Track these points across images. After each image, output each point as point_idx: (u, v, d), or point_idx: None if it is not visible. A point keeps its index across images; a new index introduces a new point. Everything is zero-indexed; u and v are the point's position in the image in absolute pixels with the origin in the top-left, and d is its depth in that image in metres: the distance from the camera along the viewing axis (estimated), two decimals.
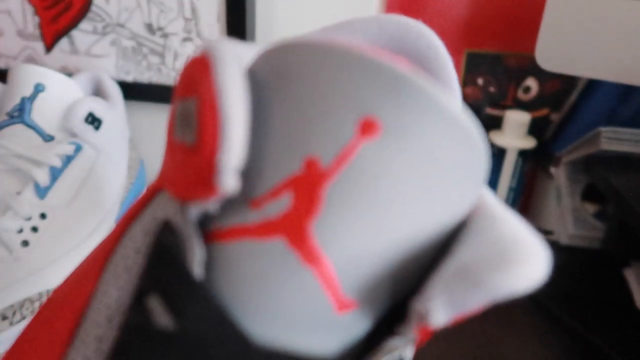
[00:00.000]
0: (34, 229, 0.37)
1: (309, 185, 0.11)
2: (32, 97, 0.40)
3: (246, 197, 0.12)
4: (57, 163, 0.39)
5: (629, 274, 0.42)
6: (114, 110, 0.45)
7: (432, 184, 0.11)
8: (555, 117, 0.48)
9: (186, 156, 0.11)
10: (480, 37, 0.47)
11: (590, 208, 0.47)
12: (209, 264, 0.12)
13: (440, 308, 0.11)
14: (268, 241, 0.11)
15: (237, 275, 0.11)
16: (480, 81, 0.48)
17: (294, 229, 0.11)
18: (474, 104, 0.48)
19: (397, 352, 0.12)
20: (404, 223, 0.11)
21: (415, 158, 0.11)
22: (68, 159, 0.40)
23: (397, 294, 0.12)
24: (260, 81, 0.12)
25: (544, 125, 0.49)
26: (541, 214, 0.52)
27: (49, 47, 0.55)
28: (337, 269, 0.11)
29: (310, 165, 0.11)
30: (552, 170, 0.50)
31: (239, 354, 0.10)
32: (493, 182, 0.49)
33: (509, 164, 0.47)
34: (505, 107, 0.49)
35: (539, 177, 0.51)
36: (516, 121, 0.46)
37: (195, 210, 0.12)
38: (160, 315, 0.11)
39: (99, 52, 0.53)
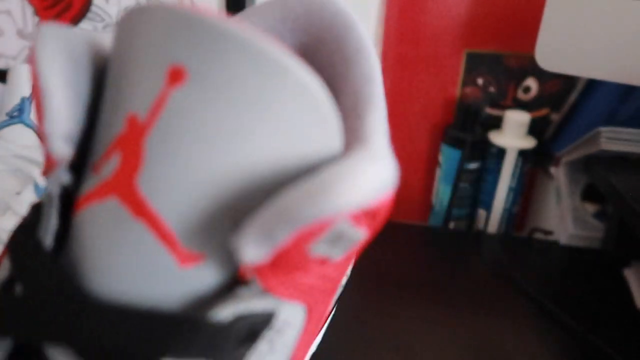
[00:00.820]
0: None
1: (131, 142, 0.11)
2: (32, 97, 0.40)
3: (92, 163, 0.12)
4: None
5: (629, 274, 0.42)
6: None
7: (242, 122, 0.11)
8: (555, 117, 0.48)
9: (39, 134, 0.12)
10: (480, 37, 0.47)
11: (590, 208, 0.47)
12: (70, 234, 0.12)
13: (250, 241, 0.11)
14: (104, 201, 0.12)
15: (84, 238, 0.12)
16: (480, 81, 0.48)
17: (123, 185, 0.11)
18: (474, 104, 0.48)
19: (244, 303, 0.12)
20: (223, 162, 0.11)
21: (221, 97, 0.11)
22: None
23: None
24: (110, 53, 0.13)
25: (544, 125, 0.49)
26: (541, 214, 0.52)
27: None
28: (169, 220, 0.11)
29: (131, 122, 0.12)
30: (552, 170, 0.50)
31: (77, 310, 0.11)
32: (493, 182, 0.49)
33: (509, 164, 0.47)
34: (505, 107, 0.49)
35: (539, 177, 0.51)
36: (516, 121, 0.46)
37: (53, 185, 0.12)
38: (18, 288, 0.12)
39: None
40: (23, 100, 0.39)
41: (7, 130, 0.39)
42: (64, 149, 0.12)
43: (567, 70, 0.37)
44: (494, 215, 0.50)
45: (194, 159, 0.11)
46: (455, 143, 0.48)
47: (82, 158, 0.13)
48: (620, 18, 0.34)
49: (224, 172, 0.11)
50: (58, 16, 0.53)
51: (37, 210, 0.13)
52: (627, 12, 0.34)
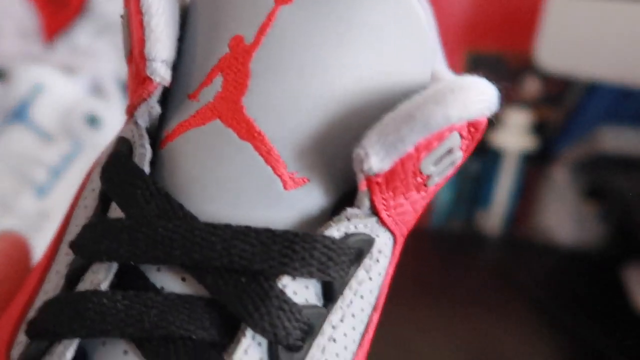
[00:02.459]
0: (34, 229, 0.37)
1: (235, 63, 0.11)
2: (32, 97, 0.40)
3: (186, 93, 0.12)
4: (57, 163, 0.39)
5: (629, 275, 0.42)
6: (114, 110, 0.45)
7: (349, 42, 0.11)
8: (556, 117, 0.48)
9: (130, 64, 0.12)
10: (480, 37, 0.47)
11: (590, 208, 0.47)
12: (161, 163, 0.12)
13: (375, 152, 0.11)
14: (206, 125, 0.12)
15: (184, 164, 0.12)
16: None
17: (227, 107, 0.11)
18: None
19: (354, 222, 0.12)
20: (329, 84, 0.11)
21: (329, 18, 0.11)
22: (68, 159, 0.40)
23: (352, 172, 0.12)
24: None
25: (544, 125, 0.49)
26: (541, 214, 0.52)
27: (48, 47, 0.55)
28: (276, 141, 0.11)
29: (235, 44, 0.11)
30: (552, 170, 0.50)
31: (183, 226, 0.11)
32: (493, 183, 0.49)
33: (509, 164, 0.47)
34: (505, 107, 0.49)
35: (539, 177, 0.51)
36: (516, 121, 0.46)
37: (142, 116, 0.12)
38: (115, 211, 0.12)
39: (99, 52, 0.53)
40: (23, 100, 0.39)
41: (7, 130, 0.39)
42: (165, 73, 0.12)
43: (567, 72, 0.37)
44: (494, 215, 0.50)
45: (302, 80, 0.11)
46: None
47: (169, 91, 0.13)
48: (620, 19, 0.34)
49: (331, 94, 0.11)
50: (58, 16, 0.53)
51: (125, 142, 0.12)
52: (627, 13, 0.34)
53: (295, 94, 0.11)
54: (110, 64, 0.54)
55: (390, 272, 0.14)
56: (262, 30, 0.11)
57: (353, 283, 0.12)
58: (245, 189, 0.11)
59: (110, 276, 0.11)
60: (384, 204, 0.12)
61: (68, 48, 0.54)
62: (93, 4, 0.51)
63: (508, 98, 0.48)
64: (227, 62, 0.11)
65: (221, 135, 0.11)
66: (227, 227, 0.11)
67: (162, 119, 0.13)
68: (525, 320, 0.36)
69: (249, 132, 0.11)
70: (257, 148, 0.11)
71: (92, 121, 0.41)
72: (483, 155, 0.49)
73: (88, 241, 0.11)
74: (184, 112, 0.12)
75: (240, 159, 0.11)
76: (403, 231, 0.14)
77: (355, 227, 0.12)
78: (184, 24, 0.13)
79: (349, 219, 0.12)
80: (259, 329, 0.10)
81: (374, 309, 0.13)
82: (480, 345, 0.34)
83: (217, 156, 0.11)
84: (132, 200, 0.11)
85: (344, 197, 0.12)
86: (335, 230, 0.11)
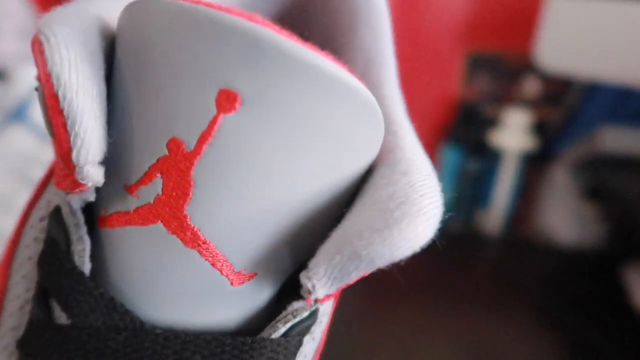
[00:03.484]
0: None
1: (176, 169, 0.11)
2: (32, 97, 0.40)
3: (124, 183, 0.11)
4: None
5: (629, 274, 0.42)
6: None
7: (301, 150, 0.11)
8: (556, 117, 0.48)
9: (54, 149, 0.11)
10: (480, 37, 0.47)
11: (590, 208, 0.47)
12: (99, 250, 0.12)
13: (323, 282, 0.11)
14: (148, 226, 0.11)
15: (125, 260, 0.11)
16: (480, 81, 0.48)
17: (170, 214, 0.11)
18: (474, 104, 0.48)
19: (299, 316, 0.12)
20: (279, 191, 0.11)
21: (278, 125, 0.10)
22: None
23: (299, 257, 0.12)
24: (123, 48, 0.11)
25: (544, 125, 0.49)
26: (541, 214, 0.52)
27: None
28: (221, 246, 0.11)
29: (175, 148, 0.11)
30: (552, 170, 0.50)
31: (133, 338, 0.11)
32: (493, 183, 0.49)
33: (509, 164, 0.47)
34: (505, 107, 0.49)
35: (539, 177, 0.51)
36: (516, 121, 0.46)
37: (76, 200, 0.12)
38: (58, 311, 0.11)
39: None
40: (23, 100, 0.39)
41: (7, 130, 0.39)
42: (98, 175, 0.11)
43: (567, 71, 0.37)
44: (494, 215, 0.50)
45: (248, 190, 0.11)
46: (456, 143, 0.48)
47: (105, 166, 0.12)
48: (620, 19, 0.34)
49: (279, 201, 0.11)
50: None
51: (59, 225, 0.12)
52: (627, 13, 0.34)
53: (240, 202, 0.11)
54: None
55: (329, 323, 0.14)
56: (203, 139, 0.10)
57: (299, 357, 0.12)
58: (192, 291, 0.11)
59: None
60: (326, 298, 0.12)
61: None
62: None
63: (508, 98, 0.48)
64: (166, 165, 0.11)
65: (165, 240, 0.11)
66: (177, 337, 0.11)
67: (97, 195, 0.12)
68: (525, 320, 0.36)
69: (194, 241, 0.11)
70: (202, 255, 0.11)
71: None
72: (483, 155, 0.49)
73: (36, 348, 0.11)
74: (121, 203, 0.11)
75: (186, 265, 0.11)
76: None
77: (300, 317, 0.12)
78: (111, 62, 0.12)
79: (294, 316, 0.12)
80: None
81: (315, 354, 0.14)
82: (480, 345, 0.34)
83: (162, 260, 0.11)
84: (76, 308, 0.11)
85: (286, 277, 0.12)
86: (282, 327, 0.12)
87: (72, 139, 0.10)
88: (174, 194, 0.11)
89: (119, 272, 0.11)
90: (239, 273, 0.11)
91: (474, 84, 0.48)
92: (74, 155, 0.10)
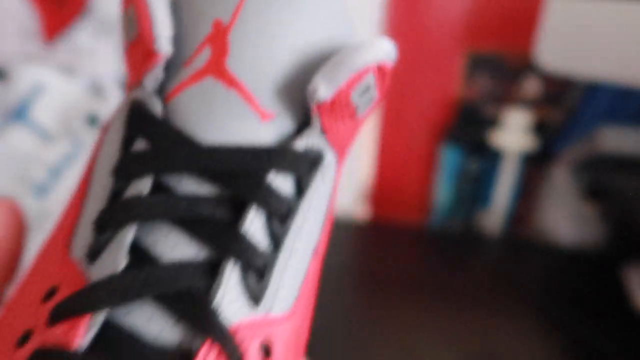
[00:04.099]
0: (34, 229, 0.37)
1: (218, 38, 0.16)
2: (32, 97, 0.40)
3: (181, 61, 0.17)
4: (57, 163, 0.39)
5: (629, 274, 0.42)
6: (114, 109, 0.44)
7: (294, 15, 0.16)
8: (556, 117, 0.48)
9: (135, 47, 0.17)
10: (480, 37, 0.47)
11: (590, 208, 0.47)
12: (166, 114, 0.16)
13: (322, 85, 0.16)
14: (201, 82, 0.16)
15: (185, 109, 0.16)
16: (480, 81, 0.48)
17: (215, 68, 0.16)
18: (474, 104, 0.48)
19: (311, 138, 0.17)
20: (288, 45, 0.16)
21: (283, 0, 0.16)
22: (68, 159, 0.40)
23: (305, 104, 0.17)
24: None
25: (544, 125, 0.49)
26: (541, 214, 0.52)
27: (49, 47, 0.55)
28: (252, 88, 0.16)
29: (217, 25, 0.16)
30: (552, 170, 0.50)
31: (197, 150, 0.15)
32: (493, 183, 0.49)
33: (509, 164, 0.47)
34: (505, 107, 0.49)
35: (539, 177, 0.51)
36: (516, 121, 0.46)
37: (150, 82, 0.17)
38: (137, 146, 0.16)
39: (99, 52, 0.53)
40: (23, 100, 0.39)
41: (7, 130, 0.39)
42: (168, 47, 0.16)
43: (567, 71, 0.37)
44: (494, 215, 0.50)
45: (266, 43, 0.16)
46: (456, 143, 0.48)
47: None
48: (620, 19, 0.34)
49: (288, 51, 0.16)
50: (58, 16, 0.53)
51: (136, 101, 0.17)
52: (627, 13, 0.34)
53: (262, 53, 0.16)
54: (110, 64, 0.54)
55: (335, 189, 0.19)
56: (235, 13, 0.16)
57: (313, 184, 0.17)
58: (233, 122, 0.16)
59: (148, 186, 0.15)
60: (328, 126, 0.17)
61: (68, 48, 0.54)
62: (93, 4, 0.51)
63: (508, 98, 0.48)
64: (212, 38, 0.16)
65: (213, 87, 0.16)
66: (225, 146, 0.16)
67: (162, 85, 0.17)
68: (525, 320, 0.36)
69: (232, 83, 0.16)
70: (240, 93, 0.16)
71: (92, 121, 0.41)
72: (483, 155, 0.49)
73: (125, 166, 0.16)
74: (181, 76, 0.17)
75: (228, 102, 0.16)
76: (342, 151, 0.19)
77: (312, 143, 0.17)
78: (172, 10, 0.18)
79: (308, 134, 0.17)
80: (260, 204, 0.15)
81: (328, 211, 0.18)
82: (480, 345, 0.34)
83: (211, 102, 0.16)
84: (154, 136, 0.16)
85: (302, 125, 0.17)
86: (299, 145, 0.16)
87: (152, 17, 0.16)
88: (218, 55, 0.16)
89: (182, 119, 0.16)
90: (264, 111, 0.16)
91: (474, 84, 0.48)
92: (154, 28, 0.16)
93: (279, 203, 0.16)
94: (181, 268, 0.14)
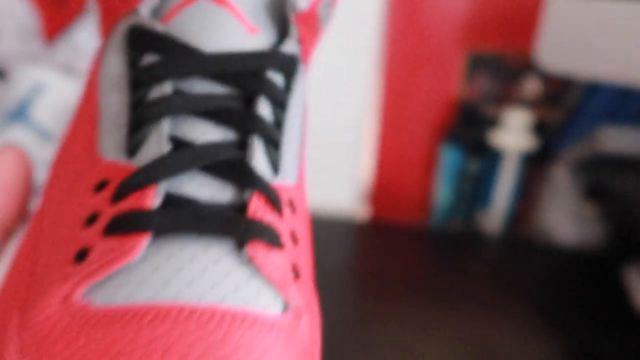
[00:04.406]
0: None
1: None
2: (32, 97, 0.40)
3: None
4: None
5: (629, 275, 0.42)
6: None
7: None
8: (556, 117, 0.48)
9: None
10: (480, 37, 0.47)
11: (590, 208, 0.47)
12: (168, 33, 0.18)
13: None
14: (195, 3, 0.19)
15: (186, 28, 0.18)
16: (480, 81, 0.48)
17: None
18: (474, 104, 0.48)
19: (291, 43, 0.20)
20: None
21: None
22: None
23: (284, 18, 0.20)
24: None
25: (544, 125, 0.49)
26: (541, 214, 0.52)
27: (49, 47, 0.55)
28: (239, 6, 0.19)
29: None
30: (552, 170, 0.50)
31: (205, 55, 0.18)
32: (493, 183, 0.49)
33: (509, 164, 0.47)
34: (505, 107, 0.49)
35: (539, 177, 0.51)
36: (516, 121, 0.46)
37: (145, 8, 0.19)
38: (146, 59, 0.19)
39: None
40: (23, 100, 0.39)
41: (7, 130, 0.39)
42: None
43: (567, 71, 0.37)
44: (494, 215, 0.50)
45: None
46: (456, 143, 0.48)
47: None
48: (620, 19, 0.34)
49: None
50: (58, 16, 0.53)
51: (138, 24, 0.19)
52: (627, 13, 0.34)
53: None
54: None
55: (305, 100, 0.21)
56: None
57: (297, 81, 0.20)
58: (228, 36, 0.18)
59: (170, 89, 0.17)
60: (302, 36, 0.20)
61: (68, 48, 0.54)
62: (93, 4, 0.51)
63: (508, 98, 0.48)
64: None
65: (206, 7, 0.18)
66: (230, 52, 0.18)
67: (155, 10, 0.19)
68: (525, 320, 0.36)
69: (223, 2, 0.19)
70: (230, 12, 0.19)
71: None
72: (483, 155, 0.49)
73: (142, 76, 0.18)
74: (173, 0, 0.19)
75: (221, 20, 0.18)
76: (307, 64, 0.22)
77: (292, 50, 0.20)
78: None
79: (288, 44, 0.19)
80: (266, 95, 0.18)
81: (304, 106, 0.21)
82: (480, 345, 0.34)
83: (206, 20, 0.18)
84: (163, 50, 0.18)
85: (281, 38, 0.20)
86: (285, 49, 0.19)
87: None
88: None
89: (184, 31, 0.18)
90: (252, 26, 0.19)
91: (474, 84, 0.48)
92: None
93: (278, 94, 0.19)
94: (217, 146, 0.17)
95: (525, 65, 0.47)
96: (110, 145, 0.18)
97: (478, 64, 0.48)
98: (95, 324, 0.14)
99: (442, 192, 0.51)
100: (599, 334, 0.35)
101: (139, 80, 0.18)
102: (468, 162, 0.49)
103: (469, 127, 0.48)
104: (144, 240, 0.15)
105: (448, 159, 0.49)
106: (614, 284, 0.41)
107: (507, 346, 0.34)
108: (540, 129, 0.49)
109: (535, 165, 0.50)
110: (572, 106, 0.48)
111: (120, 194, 0.16)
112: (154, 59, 0.18)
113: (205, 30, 0.18)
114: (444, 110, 0.50)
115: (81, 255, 0.15)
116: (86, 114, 0.19)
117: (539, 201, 0.52)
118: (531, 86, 0.48)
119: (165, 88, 0.17)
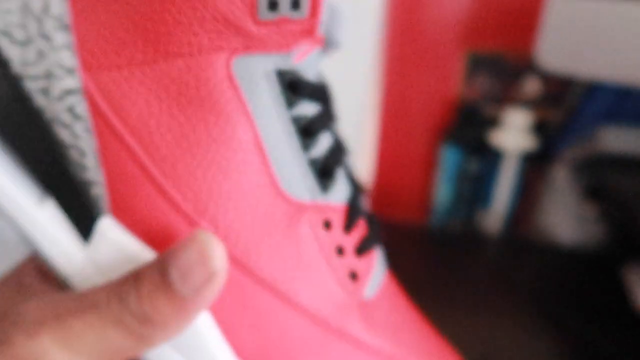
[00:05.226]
0: None
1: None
2: None
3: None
4: None
5: (629, 274, 0.42)
6: None
7: None
8: (556, 116, 0.48)
9: (291, 23, 0.18)
10: (480, 37, 0.47)
11: (590, 208, 0.47)
12: (302, 74, 0.20)
13: None
14: (315, 50, 0.19)
15: (315, 71, 0.20)
16: (480, 81, 0.48)
17: (318, 37, 0.19)
18: (474, 104, 0.48)
19: None
20: None
21: None
22: None
23: None
24: None
25: (544, 125, 0.49)
26: (541, 214, 0.52)
27: None
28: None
29: None
30: (552, 170, 0.50)
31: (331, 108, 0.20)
32: (493, 183, 0.49)
33: (509, 164, 0.47)
34: (505, 107, 0.49)
35: (539, 177, 0.51)
36: (516, 121, 0.46)
37: (296, 54, 0.19)
38: None
39: None
40: None
41: None
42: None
43: (567, 71, 0.37)
44: (494, 215, 0.50)
45: None
46: (456, 143, 0.48)
47: None
48: (620, 19, 0.34)
49: None
50: None
51: (289, 72, 0.19)
52: (627, 13, 0.34)
53: None
54: None
55: None
56: None
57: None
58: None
59: (333, 139, 0.20)
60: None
61: None
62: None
63: (508, 98, 0.48)
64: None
65: (319, 53, 0.19)
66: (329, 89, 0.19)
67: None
68: (524, 319, 0.36)
69: (319, 43, 0.19)
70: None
71: None
72: (483, 155, 0.49)
73: (311, 127, 0.19)
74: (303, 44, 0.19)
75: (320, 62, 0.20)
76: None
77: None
78: None
79: None
80: None
81: None
82: (480, 344, 0.34)
83: (318, 64, 0.20)
84: (321, 98, 0.19)
85: None
86: None
87: (323, 6, 0.18)
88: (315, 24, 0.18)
89: (315, 79, 0.20)
90: None
91: (474, 84, 0.48)
92: (323, 15, 0.18)
93: None
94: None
95: (525, 65, 0.47)
96: (300, 186, 0.19)
97: (478, 64, 0.48)
98: None
99: (442, 192, 0.51)
100: (598, 334, 0.35)
101: (308, 129, 0.19)
102: (468, 162, 0.49)
103: (469, 127, 0.48)
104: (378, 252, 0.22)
105: (448, 159, 0.49)
106: (613, 284, 0.41)
107: (506, 345, 0.34)
108: (540, 129, 0.49)
109: (535, 165, 0.50)
110: (572, 106, 0.47)
111: (349, 225, 0.20)
112: (312, 109, 0.19)
113: (320, 76, 0.20)
114: (444, 110, 0.50)
115: (353, 276, 0.20)
116: (245, 147, 0.18)
117: (539, 201, 0.52)
118: (531, 86, 0.48)
119: (328, 138, 0.20)
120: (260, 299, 0.18)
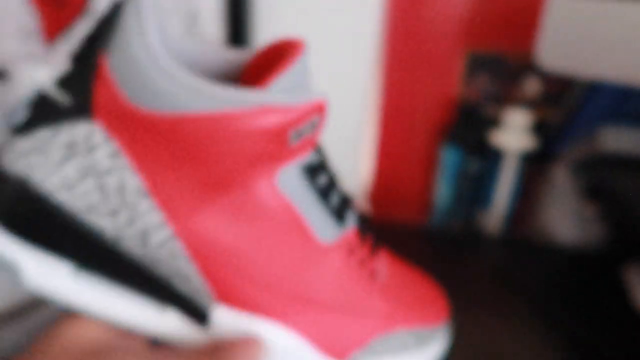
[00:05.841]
0: None
1: None
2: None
3: None
4: None
5: (628, 274, 0.42)
6: None
7: None
8: (556, 117, 0.48)
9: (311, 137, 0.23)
10: (480, 37, 0.47)
11: (590, 208, 0.47)
12: None
13: None
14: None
15: None
16: (480, 81, 0.48)
17: None
18: (474, 104, 0.48)
19: None
20: None
21: None
22: None
23: None
24: None
25: (544, 125, 0.49)
26: (541, 214, 0.52)
27: (49, 47, 0.55)
28: None
29: None
30: (552, 170, 0.50)
31: None
32: (493, 183, 0.49)
33: (509, 164, 0.47)
34: (505, 107, 0.49)
35: (539, 177, 0.51)
36: (517, 121, 0.46)
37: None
38: None
39: None
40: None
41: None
42: None
43: (568, 71, 0.37)
44: (494, 215, 0.50)
45: None
46: (457, 143, 0.48)
47: None
48: (620, 19, 0.34)
49: None
50: (58, 16, 0.53)
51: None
52: (627, 13, 0.34)
53: None
54: None
55: None
56: None
57: None
58: None
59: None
60: None
61: (68, 48, 0.54)
62: (93, 4, 0.51)
63: (508, 98, 0.48)
64: None
65: None
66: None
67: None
68: (524, 319, 0.36)
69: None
70: None
71: None
72: (483, 155, 0.49)
73: (327, 185, 0.25)
74: None
75: None
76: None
77: None
78: None
79: None
80: None
81: None
82: (480, 344, 0.34)
83: None
84: (329, 172, 0.24)
85: None
86: None
87: None
88: None
89: None
90: None
91: (474, 84, 0.48)
92: None
93: None
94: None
95: (525, 65, 0.47)
96: (327, 233, 0.24)
97: (478, 64, 0.48)
98: None
99: (442, 192, 0.51)
100: (598, 334, 0.35)
101: (324, 190, 0.24)
102: (468, 162, 0.49)
103: (469, 127, 0.48)
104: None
105: (448, 159, 0.49)
106: (613, 284, 0.41)
107: (506, 345, 0.34)
108: (540, 129, 0.49)
109: (535, 165, 0.50)
110: (572, 106, 0.48)
111: (370, 244, 0.27)
112: (326, 178, 0.24)
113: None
114: (444, 110, 0.50)
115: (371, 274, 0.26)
116: (282, 223, 0.23)
117: (539, 201, 0.52)
118: (531, 86, 0.48)
119: (331, 177, 0.25)
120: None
